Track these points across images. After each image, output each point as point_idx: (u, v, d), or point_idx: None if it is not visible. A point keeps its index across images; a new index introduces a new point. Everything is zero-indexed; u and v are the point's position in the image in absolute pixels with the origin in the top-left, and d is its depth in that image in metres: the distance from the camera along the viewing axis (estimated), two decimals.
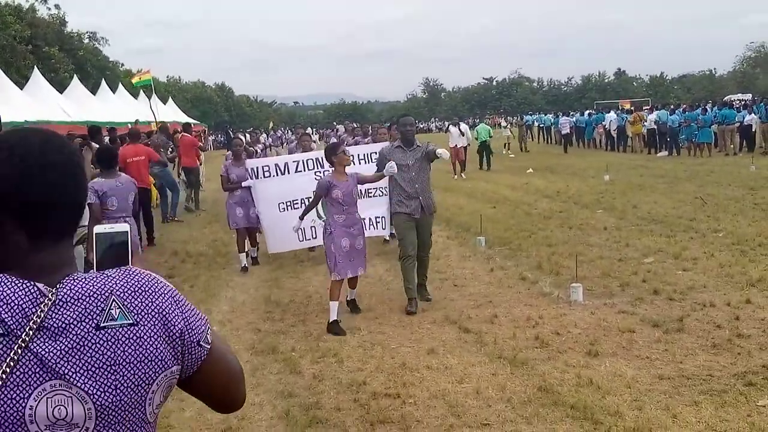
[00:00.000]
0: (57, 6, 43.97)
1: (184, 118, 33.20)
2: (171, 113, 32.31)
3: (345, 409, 4.72)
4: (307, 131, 14.71)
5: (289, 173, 9.34)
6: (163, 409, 4.81)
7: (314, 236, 9.31)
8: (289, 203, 9.28)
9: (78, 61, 41.87)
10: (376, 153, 8.79)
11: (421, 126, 64.88)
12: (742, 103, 28.72)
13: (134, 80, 27.17)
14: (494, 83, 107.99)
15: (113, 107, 25.34)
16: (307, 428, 4.46)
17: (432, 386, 5.00)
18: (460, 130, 21.12)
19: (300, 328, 6.65)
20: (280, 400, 4.95)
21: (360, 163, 9.47)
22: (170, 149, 15.07)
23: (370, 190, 9.43)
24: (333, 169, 6.83)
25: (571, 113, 39.18)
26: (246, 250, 9.56)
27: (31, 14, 40.13)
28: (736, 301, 6.54)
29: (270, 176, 9.29)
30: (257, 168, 9.34)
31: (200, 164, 16.62)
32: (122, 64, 54.55)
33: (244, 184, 9.19)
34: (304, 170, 9.38)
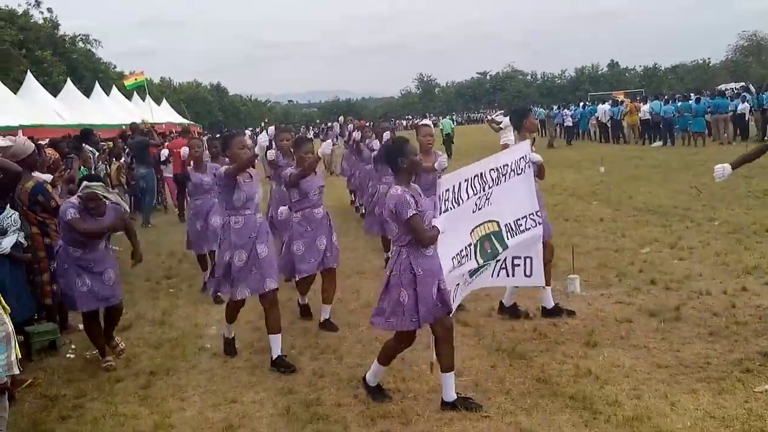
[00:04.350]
0: (49, 9, 43.94)
1: (178, 119, 33.22)
2: (165, 114, 32.29)
3: (345, 405, 4.75)
4: (282, 129, 9.25)
5: (462, 203, 5.10)
6: (165, 409, 4.85)
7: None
8: (459, 257, 5.14)
9: (71, 63, 41.77)
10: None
11: (417, 121, 64.90)
12: (736, 92, 28.63)
13: (127, 82, 27.15)
14: (488, 77, 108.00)
15: (107, 109, 25.30)
16: (308, 424, 4.48)
17: (431, 380, 5.01)
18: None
19: (299, 325, 6.67)
20: (281, 397, 4.97)
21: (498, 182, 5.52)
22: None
23: (519, 222, 5.75)
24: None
25: (571, 106, 38.80)
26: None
27: (24, 18, 40.05)
28: (732, 289, 6.57)
29: (447, 209, 4.90)
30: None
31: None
32: (115, 66, 54.48)
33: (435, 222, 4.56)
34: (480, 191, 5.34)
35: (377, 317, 4.59)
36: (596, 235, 9.71)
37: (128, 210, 7.31)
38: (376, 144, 10.56)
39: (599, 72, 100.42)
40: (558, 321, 6.12)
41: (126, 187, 14.25)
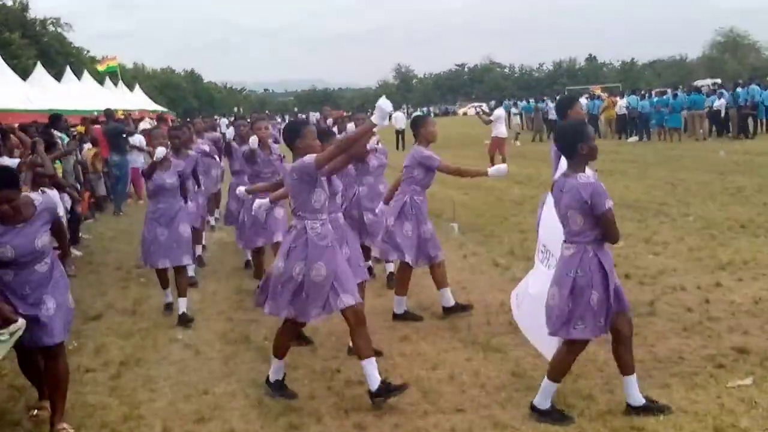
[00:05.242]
0: None
1: (152, 106, 32.79)
2: (139, 101, 31.82)
3: (319, 397, 4.70)
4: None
5: None
6: (134, 399, 4.75)
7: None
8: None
9: (42, 47, 41.02)
10: None
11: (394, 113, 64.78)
12: (711, 88, 28.89)
13: (100, 67, 26.73)
14: (466, 69, 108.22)
15: (79, 94, 24.82)
16: (280, 416, 4.43)
17: (406, 373, 4.98)
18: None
19: (272, 317, 6.57)
20: (253, 388, 4.91)
21: None
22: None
23: None
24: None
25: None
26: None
27: None
28: (705, 285, 6.61)
29: None
30: None
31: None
32: (87, 51, 53.58)
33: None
34: None
35: (562, 327, 4.01)
36: None
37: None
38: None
39: (577, 66, 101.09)
40: None
41: (102, 174, 14.00)
